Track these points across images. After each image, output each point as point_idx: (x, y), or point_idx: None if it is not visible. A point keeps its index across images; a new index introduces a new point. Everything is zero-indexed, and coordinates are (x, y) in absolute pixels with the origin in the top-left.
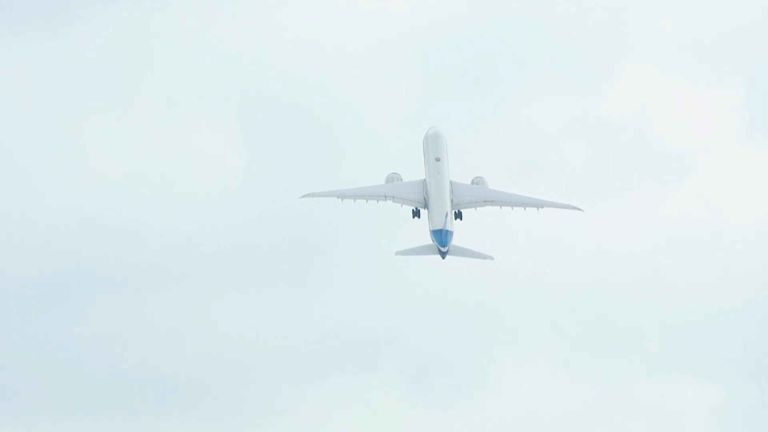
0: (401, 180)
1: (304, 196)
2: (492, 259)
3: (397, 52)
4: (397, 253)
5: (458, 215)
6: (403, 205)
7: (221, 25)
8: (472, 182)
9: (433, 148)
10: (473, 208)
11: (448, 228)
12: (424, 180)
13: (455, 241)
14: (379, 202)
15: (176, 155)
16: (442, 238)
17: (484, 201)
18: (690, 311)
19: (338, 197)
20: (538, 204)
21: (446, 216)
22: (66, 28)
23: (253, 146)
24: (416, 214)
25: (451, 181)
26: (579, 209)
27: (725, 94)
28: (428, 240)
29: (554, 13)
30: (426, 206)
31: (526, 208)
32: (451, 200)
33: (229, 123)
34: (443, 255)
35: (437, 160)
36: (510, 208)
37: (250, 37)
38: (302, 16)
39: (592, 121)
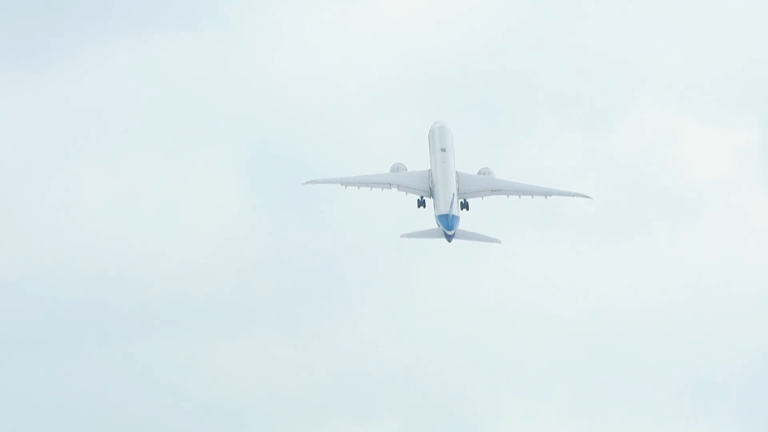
0: (406, 170)
1: (307, 183)
2: (499, 242)
3: (403, 70)
4: (402, 236)
5: (464, 205)
6: (408, 194)
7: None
8: (479, 173)
9: (439, 139)
10: (480, 198)
11: (455, 213)
12: (430, 170)
13: (461, 227)
14: (384, 190)
15: (185, 166)
16: (448, 222)
17: (491, 190)
18: (702, 356)
19: (342, 184)
20: (546, 192)
21: (452, 201)
22: (59, 69)
23: (258, 142)
24: (421, 203)
25: (456, 172)
26: (587, 197)
27: (739, 133)
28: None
29: (564, 49)
30: (431, 195)
31: (534, 197)
32: (457, 189)
33: (234, 129)
34: (449, 238)
35: (443, 150)
36: (518, 196)
37: (254, 50)
38: (303, 34)
39: (601, 160)
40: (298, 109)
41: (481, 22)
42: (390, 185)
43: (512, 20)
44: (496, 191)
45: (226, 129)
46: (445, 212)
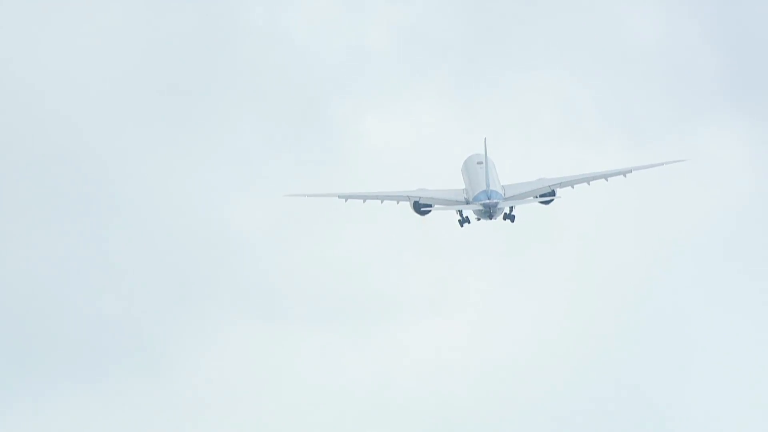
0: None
1: (287, 195)
2: (559, 197)
3: None
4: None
5: (509, 216)
6: (438, 208)
7: None
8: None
9: (476, 158)
10: (535, 198)
11: (494, 188)
12: (465, 188)
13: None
14: (400, 203)
15: None
16: (487, 194)
17: (550, 186)
18: None
19: (341, 197)
20: (624, 171)
21: (488, 175)
22: None
23: None
24: (465, 220)
25: (502, 185)
26: (681, 160)
27: None
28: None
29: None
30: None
31: (609, 179)
32: (503, 195)
33: None
34: (490, 211)
35: (479, 163)
36: (586, 183)
37: None
38: None
39: None
40: None
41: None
42: (409, 198)
43: None
44: (556, 185)
45: None
46: (482, 188)
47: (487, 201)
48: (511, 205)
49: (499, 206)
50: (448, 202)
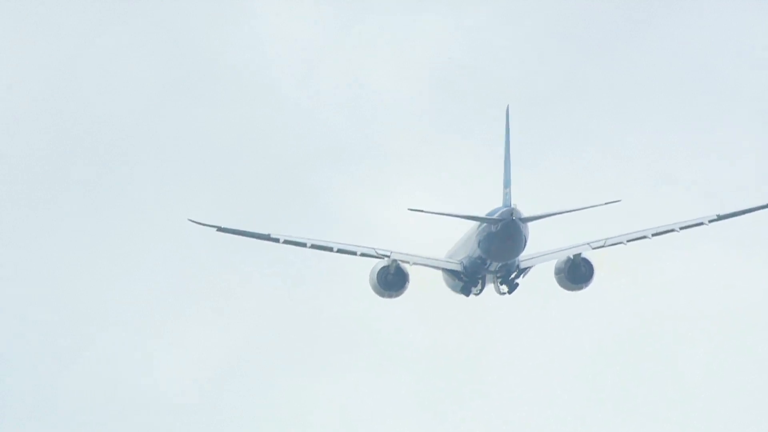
0: None
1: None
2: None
3: None
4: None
5: (511, 282)
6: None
7: None
8: None
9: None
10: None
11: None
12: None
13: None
14: (361, 254)
15: None
16: (507, 204)
17: (589, 245)
18: None
19: (273, 238)
20: (705, 218)
21: (508, 172)
22: None
23: None
24: (468, 283)
25: None
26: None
27: None
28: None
29: None
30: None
31: (680, 230)
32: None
33: None
34: (511, 229)
35: None
36: (648, 237)
37: None
38: None
39: None
40: None
41: None
42: (377, 254)
43: None
44: (598, 245)
45: None
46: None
47: (509, 207)
48: (532, 264)
49: (524, 220)
50: (444, 262)
